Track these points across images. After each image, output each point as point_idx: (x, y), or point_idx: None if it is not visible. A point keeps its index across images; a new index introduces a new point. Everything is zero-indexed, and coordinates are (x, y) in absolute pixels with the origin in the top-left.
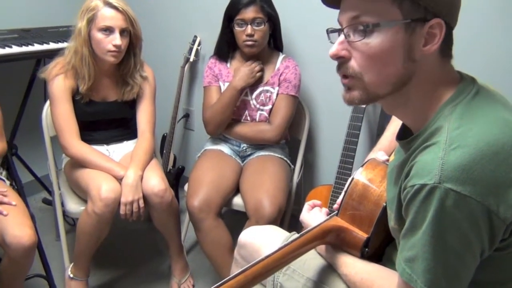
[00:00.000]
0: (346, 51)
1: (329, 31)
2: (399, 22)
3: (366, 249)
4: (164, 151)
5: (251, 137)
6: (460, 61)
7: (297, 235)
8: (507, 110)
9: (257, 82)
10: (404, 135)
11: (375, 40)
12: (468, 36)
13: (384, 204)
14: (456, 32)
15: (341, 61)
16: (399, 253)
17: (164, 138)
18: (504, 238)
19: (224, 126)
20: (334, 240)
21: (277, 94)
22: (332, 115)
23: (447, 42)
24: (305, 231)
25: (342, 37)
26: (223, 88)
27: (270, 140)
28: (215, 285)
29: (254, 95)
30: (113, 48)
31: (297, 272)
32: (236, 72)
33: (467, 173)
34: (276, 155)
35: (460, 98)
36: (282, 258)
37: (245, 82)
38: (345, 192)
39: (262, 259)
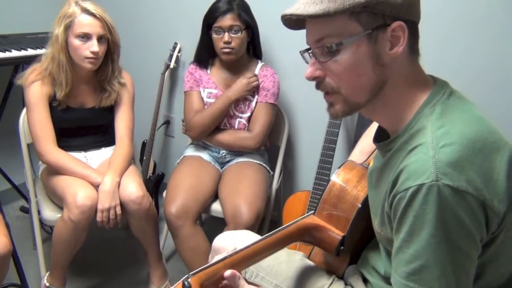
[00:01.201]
0: (320, 71)
1: (302, 52)
2: (360, 35)
3: (342, 247)
4: (144, 158)
5: (231, 144)
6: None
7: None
8: (478, 109)
9: None
10: (380, 137)
11: (342, 57)
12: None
13: (359, 205)
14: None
15: (318, 80)
16: (393, 272)
17: (144, 145)
18: (494, 231)
19: (208, 133)
20: (310, 238)
21: (256, 102)
22: (310, 122)
23: (414, 38)
24: (281, 227)
25: (313, 58)
26: (202, 94)
27: (250, 147)
28: (194, 271)
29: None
30: (90, 55)
31: (266, 279)
32: (234, 82)
33: (459, 170)
34: (255, 161)
35: (437, 98)
36: (259, 251)
37: (239, 94)
38: (322, 192)
39: (241, 250)
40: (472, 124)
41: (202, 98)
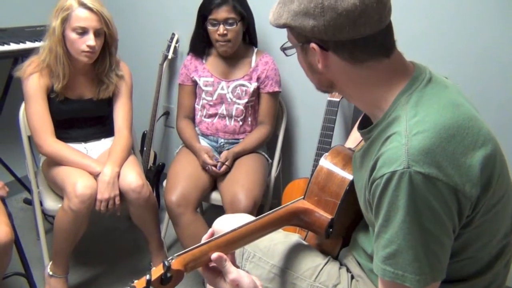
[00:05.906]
0: None
1: None
2: (296, 45)
3: (331, 230)
4: (145, 149)
5: (257, 147)
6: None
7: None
8: (459, 95)
9: (233, 76)
10: (364, 125)
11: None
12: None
13: (347, 188)
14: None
15: None
16: (375, 256)
17: (144, 135)
18: (468, 214)
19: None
20: (299, 222)
21: (255, 89)
22: (308, 109)
23: (361, 50)
24: (270, 211)
25: None
26: (199, 83)
27: (269, 138)
28: (179, 253)
29: (230, 89)
30: (87, 49)
31: (263, 260)
32: (230, 70)
33: (430, 157)
34: None
35: (414, 87)
36: (246, 234)
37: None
38: (311, 177)
39: (227, 233)
40: (447, 110)
41: (194, 92)
